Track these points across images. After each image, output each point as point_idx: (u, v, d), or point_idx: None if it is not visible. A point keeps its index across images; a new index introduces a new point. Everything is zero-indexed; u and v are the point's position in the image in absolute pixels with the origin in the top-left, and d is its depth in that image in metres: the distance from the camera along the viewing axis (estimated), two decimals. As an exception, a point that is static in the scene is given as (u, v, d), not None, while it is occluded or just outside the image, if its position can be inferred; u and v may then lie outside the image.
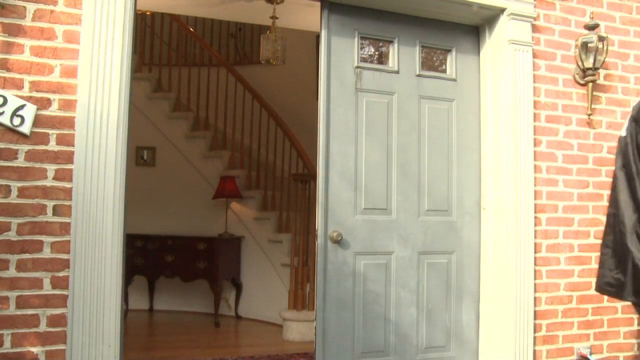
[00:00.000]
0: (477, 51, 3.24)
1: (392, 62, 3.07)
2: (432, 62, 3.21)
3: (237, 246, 5.72)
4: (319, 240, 2.85)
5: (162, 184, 5.85)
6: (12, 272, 2.22)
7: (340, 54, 2.96)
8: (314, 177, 3.61)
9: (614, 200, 2.86)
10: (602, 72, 3.23)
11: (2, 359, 2.18)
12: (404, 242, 3.01)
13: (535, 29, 3.12)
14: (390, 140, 3.02)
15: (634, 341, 3.26)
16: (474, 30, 3.25)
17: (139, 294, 5.68)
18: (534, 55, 3.11)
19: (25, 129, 2.25)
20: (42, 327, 2.25)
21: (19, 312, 2.22)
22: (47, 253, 2.27)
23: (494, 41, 3.15)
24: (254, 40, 6.79)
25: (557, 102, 3.16)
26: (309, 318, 4.61)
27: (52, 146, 2.29)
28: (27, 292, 2.24)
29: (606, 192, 3.23)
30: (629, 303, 3.19)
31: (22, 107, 2.24)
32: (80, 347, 2.27)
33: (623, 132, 2.90)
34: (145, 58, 6.23)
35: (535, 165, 3.07)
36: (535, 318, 3.03)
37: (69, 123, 2.32)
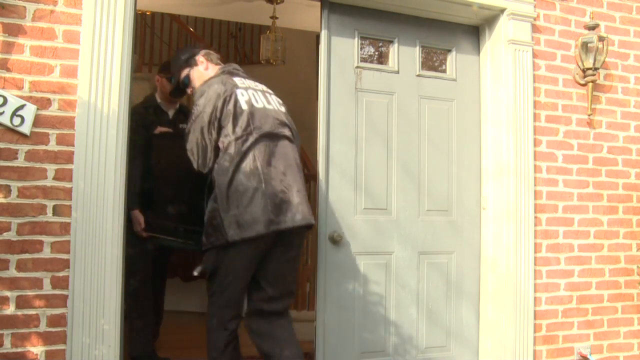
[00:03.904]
0: (477, 51, 3.24)
1: (392, 62, 3.07)
2: (432, 62, 3.21)
3: (237, 246, 5.70)
4: (319, 241, 2.85)
5: (162, 184, 5.82)
6: (12, 272, 2.22)
7: (340, 54, 2.96)
8: (314, 177, 3.61)
9: None
10: (602, 72, 3.23)
11: (2, 359, 2.17)
12: (404, 242, 3.01)
13: (535, 29, 3.12)
14: (391, 140, 3.02)
15: (634, 341, 3.26)
16: (474, 30, 3.25)
17: (139, 294, 5.67)
18: (534, 55, 3.11)
19: (25, 129, 2.25)
20: (42, 327, 2.24)
21: (19, 312, 2.22)
22: (47, 253, 2.26)
23: (494, 41, 3.15)
24: (254, 40, 6.79)
25: (557, 102, 3.16)
26: (309, 318, 4.59)
27: (52, 146, 2.29)
28: (27, 292, 2.23)
29: (606, 192, 3.23)
30: (629, 303, 3.19)
31: (22, 107, 2.24)
32: (80, 347, 2.27)
33: None
34: (145, 58, 6.22)
35: (535, 165, 3.07)
36: (535, 318, 3.03)
37: (69, 123, 2.31)
